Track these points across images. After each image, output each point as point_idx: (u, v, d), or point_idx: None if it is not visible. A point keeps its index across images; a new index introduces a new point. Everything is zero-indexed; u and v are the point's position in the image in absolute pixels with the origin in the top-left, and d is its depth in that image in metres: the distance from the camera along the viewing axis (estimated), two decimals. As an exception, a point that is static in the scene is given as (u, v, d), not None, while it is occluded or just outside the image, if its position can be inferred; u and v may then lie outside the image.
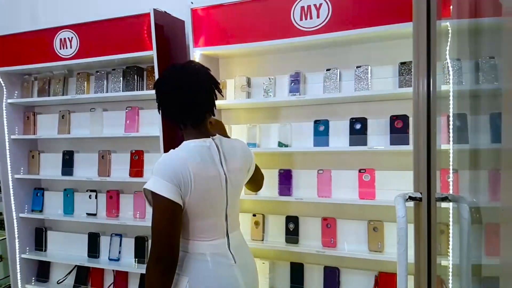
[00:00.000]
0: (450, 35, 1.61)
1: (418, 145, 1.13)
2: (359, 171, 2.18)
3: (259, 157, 2.41)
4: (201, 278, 1.41)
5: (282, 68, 2.36)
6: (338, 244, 2.24)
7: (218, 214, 1.48)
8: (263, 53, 2.41)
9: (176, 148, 1.44)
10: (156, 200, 1.32)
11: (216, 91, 1.51)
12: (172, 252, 1.33)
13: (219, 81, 2.39)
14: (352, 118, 2.19)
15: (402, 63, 2.07)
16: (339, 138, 2.24)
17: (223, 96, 1.67)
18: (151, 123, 2.59)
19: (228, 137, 1.81)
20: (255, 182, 1.77)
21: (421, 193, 1.16)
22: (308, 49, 2.32)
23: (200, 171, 1.38)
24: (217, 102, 2.25)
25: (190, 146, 1.44)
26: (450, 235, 1.60)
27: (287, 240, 2.33)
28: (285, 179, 2.31)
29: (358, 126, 2.18)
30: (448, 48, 1.67)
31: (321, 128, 2.26)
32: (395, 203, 1.20)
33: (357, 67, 2.15)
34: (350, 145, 2.18)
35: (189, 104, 1.42)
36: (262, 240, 2.38)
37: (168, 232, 1.32)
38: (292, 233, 2.32)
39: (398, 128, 2.08)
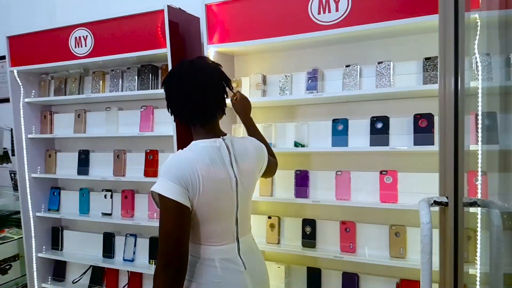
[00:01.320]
0: (479, 28, 1.51)
1: (445, 146, 1.06)
2: (381, 172, 2.08)
3: (275, 157, 2.34)
4: (209, 284, 1.34)
5: (299, 64, 2.28)
6: (358, 249, 2.14)
7: (228, 218, 1.41)
8: (279, 49, 2.33)
9: (184, 149, 1.38)
10: (163, 202, 1.26)
11: (227, 88, 1.44)
12: (181, 257, 1.26)
13: (233, 79, 2.35)
14: (373, 117, 2.09)
15: (427, 59, 1.96)
16: (359, 137, 2.13)
17: (234, 93, 1.62)
18: (166, 122, 2.55)
19: (251, 119, 1.80)
20: (269, 172, 1.70)
21: (447, 198, 1.09)
22: (327, 45, 2.22)
23: (208, 173, 1.31)
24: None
25: (199, 147, 1.37)
26: (478, 241, 1.51)
27: (304, 244, 2.24)
28: (302, 181, 2.22)
29: (379, 125, 2.07)
30: (477, 42, 1.56)
31: (340, 127, 2.16)
32: (419, 208, 1.14)
33: (379, 63, 2.05)
34: (370, 145, 2.08)
35: (197, 102, 1.35)
36: (278, 243, 2.30)
37: (176, 236, 1.25)
38: (309, 236, 2.23)
39: (422, 128, 1.97)
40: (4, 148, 3.37)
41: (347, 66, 2.12)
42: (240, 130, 2.36)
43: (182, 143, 2.26)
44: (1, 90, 3.59)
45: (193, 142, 1.41)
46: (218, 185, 1.34)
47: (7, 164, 3.38)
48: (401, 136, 2.05)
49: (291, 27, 2.04)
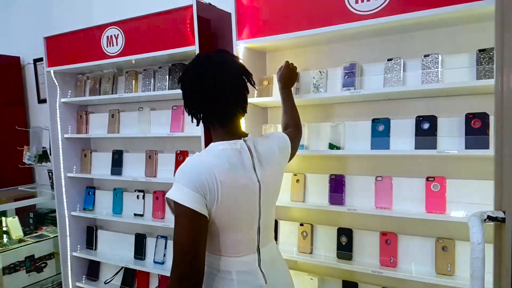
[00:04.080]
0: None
1: (502, 150, 0.94)
2: (427, 179, 1.87)
3: (307, 160, 2.18)
4: None
5: (335, 59, 2.10)
6: (399, 264, 1.93)
7: (249, 227, 1.28)
8: (313, 43, 2.16)
9: (202, 151, 1.27)
10: (178, 210, 1.15)
11: (248, 84, 1.31)
12: (197, 269, 1.15)
13: (265, 76, 2.21)
14: (418, 116, 1.89)
15: (481, 50, 1.73)
16: (402, 139, 1.93)
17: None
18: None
19: (290, 92, 1.83)
20: (290, 158, 1.56)
21: (504, 212, 0.95)
22: (366, 37, 2.04)
23: (228, 178, 1.19)
24: (262, 100, 2.10)
25: (217, 149, 1.25)
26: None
27: (339, 255, 2.06)
28: (337, 186, 2.05)
29: (426, 126, 1.87)
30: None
31: (381, 127, 1.97)
32: (469, 224, 0.99)
33: (425, 56, 1.84)
34: (416, 148, 1.87)
35: (213, 98, 1.23)
36: (311, 252, 2.14)
37: (192, 246, 1.14)
38: (345, 248, 2.05)
39: (475, 129, 1.75)
40: (43, 148, 3.45)
41: (389, 60, 1.92)
42: (270, 130, 2.22)
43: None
44: (43, 91, 3.69)
45: (212, 144, 1.30)
46: (238, 192, 1.23)
47: (46, 163, 3.46)
48: (450, 138, 1.83)
49: (326, 18, 1.87)
